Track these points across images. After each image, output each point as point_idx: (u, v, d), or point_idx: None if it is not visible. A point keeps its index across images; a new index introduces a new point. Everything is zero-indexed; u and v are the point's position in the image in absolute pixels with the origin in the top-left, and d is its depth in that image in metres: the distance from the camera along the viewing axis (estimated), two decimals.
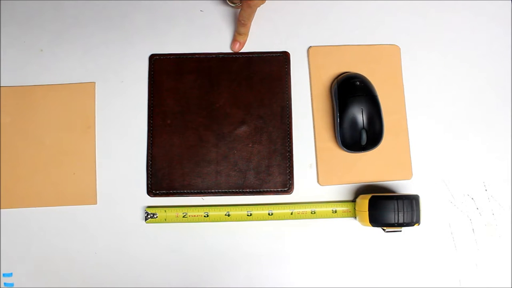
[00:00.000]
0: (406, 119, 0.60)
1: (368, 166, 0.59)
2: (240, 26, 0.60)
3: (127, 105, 0.61)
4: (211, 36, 0.62)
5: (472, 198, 0.59)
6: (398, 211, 0.53)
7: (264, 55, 0.61)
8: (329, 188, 0.59)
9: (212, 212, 0.57)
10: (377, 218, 0.54)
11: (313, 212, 0.57)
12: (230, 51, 0.61)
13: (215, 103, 0.60)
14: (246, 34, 0.61)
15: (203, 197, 0.59)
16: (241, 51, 0.61)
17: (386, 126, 0.58)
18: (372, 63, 0.61)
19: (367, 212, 0.54)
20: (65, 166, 0.59)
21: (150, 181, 0.59)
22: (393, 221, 0.53)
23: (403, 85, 0.61)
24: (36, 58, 0.61)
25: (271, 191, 0.58)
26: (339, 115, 0.57)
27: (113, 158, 0.59)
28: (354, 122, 0.56)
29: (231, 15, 0.62)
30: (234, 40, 0.61)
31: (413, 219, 0.53)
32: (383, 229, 0.56)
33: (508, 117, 0.61)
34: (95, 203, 0.58)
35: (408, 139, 0.60)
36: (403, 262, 0.58)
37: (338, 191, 0.59)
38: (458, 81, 0.61)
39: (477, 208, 0.59)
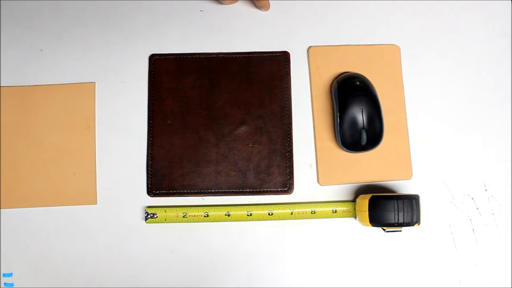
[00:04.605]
0: (406, 119, 0.60)
1: (368, 166, 0.59)
2: None
3: (127, 105, 0.61)
4: (211, 36, 0.62)
5: (472, 198, 0.59)
6: (398, 211, 0.53)
7: (264, 55, 0.61)
8: (329, 188, 0.59)
9: (212, 212, 0.57)
10: (377, 218, 0.54)
11: (313, 212, 0.57)
12: (230, 51, 0.61)
13: (215, 103, 0.60)
14: None
15: (203, 197, 0.59)
16: (241, 51, 0.61)
17: (386, 126, 0.58)
18: (372, 63, 0.61)
19: (367, 212, 0.54)
20: (65, 166, 0.59)
21: (150, 181, 0.59)
22: (393, 221, 0.53)
23: (403, 85, 0.61)
24: (36, 58, 0.61)
25: (271, 191, 0.58)
26: (339, 115, 0.57)
27: (113, 158, 0.59)
28: (354, 122, 0.56)
29: (231, 15, 0.62)
30: None
31: (413, 219, 0.53)
32: (383, 229, 0.56)
33: (508, 117, 0.61)
34: (95, 203, 0.58)
35: (408, 139, 0.60)
36: (403, 262, 0.58)
37: (338, 191, 0.59)
38: (458, 81, 0.61)
39: (477, 208, 0.59)
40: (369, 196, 0.55)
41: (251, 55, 0.61)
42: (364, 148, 0.57)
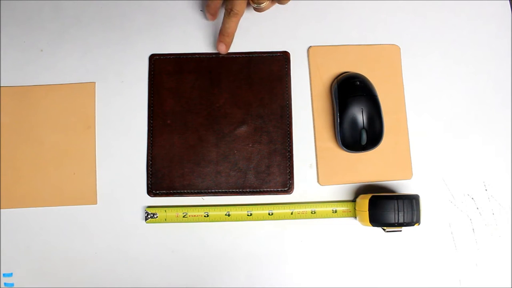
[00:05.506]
0: (406, 119, 0.60)
1: (368, 166, 0.59)
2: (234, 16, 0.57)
3: (127, 105, 0.61)
4: (211, 36, 0.62)
5: (472, 198, 0.59)
6: (398, 211, 0.53)
7: (264, 55, 0.61)
8: (329, 188, 0.59)
9: (212, 212, 0.57)
10: (377, 218, 0.54)
11: (313, 212, 0.57)
12: (230, 51, 0.61)
13: (215, 103, 0.60)
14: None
15: (203, 197, 0.59)
16: (241, 51, 0.61)
17: (386, 126, 0.58)
18: (372, 63, 0.61)
19: (367, 212, 0.54)
20: (65, 166, 0.59)
21: (150, 181, 0.59)
22: (393, 221, 0.53)
23: (403, 85, 0.61)
24: (36, 58, 0.61)
25: (271, 191, 0.58)
26: (339, 115, 0.57)
27: (113, 158, 0.59)
28: (354, 122, 0.56)
29: None
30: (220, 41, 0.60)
31: (413, 219, 0.53)
32: (383, 229, 0.56)
33: (508, 117, 0.61)
34: (95, 203, 0.58)
35: (408, 139, 0.60)
36: (403, 262, 0.58)
37: (338, 191, 0.59)
38: (458, 81, 0.61)
39: (477, 208, 0.59)
40: (369, 196, 0.55)
41: (251, 55, 0.61)
42: (364, 148, 0.57)
